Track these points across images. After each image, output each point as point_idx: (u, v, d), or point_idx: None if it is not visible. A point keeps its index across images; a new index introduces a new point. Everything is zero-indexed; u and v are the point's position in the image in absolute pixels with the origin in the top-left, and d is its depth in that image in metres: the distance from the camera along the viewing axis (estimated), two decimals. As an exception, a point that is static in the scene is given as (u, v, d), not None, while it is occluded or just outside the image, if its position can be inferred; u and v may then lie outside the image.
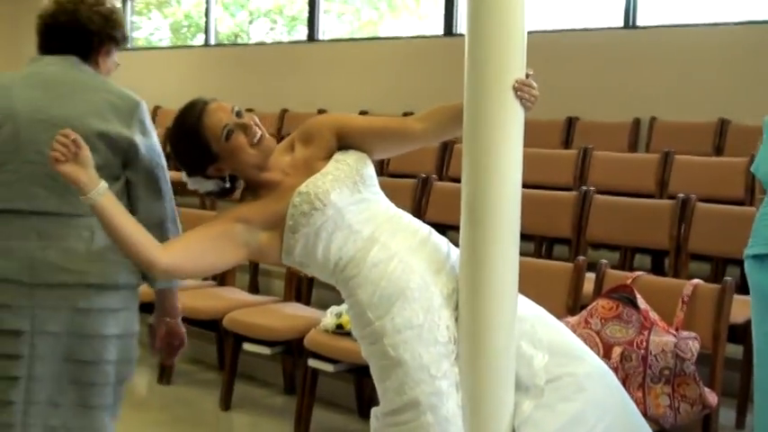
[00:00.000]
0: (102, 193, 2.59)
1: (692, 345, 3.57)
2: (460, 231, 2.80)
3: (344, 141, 2.95)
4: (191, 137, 2.79)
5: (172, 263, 2.70)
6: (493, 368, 2.74)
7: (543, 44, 7.77)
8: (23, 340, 2.91)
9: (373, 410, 2.90)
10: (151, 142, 3.16)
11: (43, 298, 2.92)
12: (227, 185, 2.91)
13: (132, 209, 3.01)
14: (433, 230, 2.95)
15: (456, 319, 2.79)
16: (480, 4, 2.70)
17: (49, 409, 3.00)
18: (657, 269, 5.47)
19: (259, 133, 2.80)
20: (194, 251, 2.77)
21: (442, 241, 2.93)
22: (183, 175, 2.91)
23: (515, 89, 2.67)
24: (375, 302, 2.75)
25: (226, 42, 12.12)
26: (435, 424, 2.67)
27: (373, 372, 2.88)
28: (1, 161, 2.96)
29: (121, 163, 3.08)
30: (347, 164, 2.89)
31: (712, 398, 3.67)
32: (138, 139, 3.08)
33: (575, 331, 3.65)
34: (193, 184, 2.91)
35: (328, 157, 2.91)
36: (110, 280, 2.95)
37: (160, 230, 3.06)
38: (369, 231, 2.78)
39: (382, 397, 2.83)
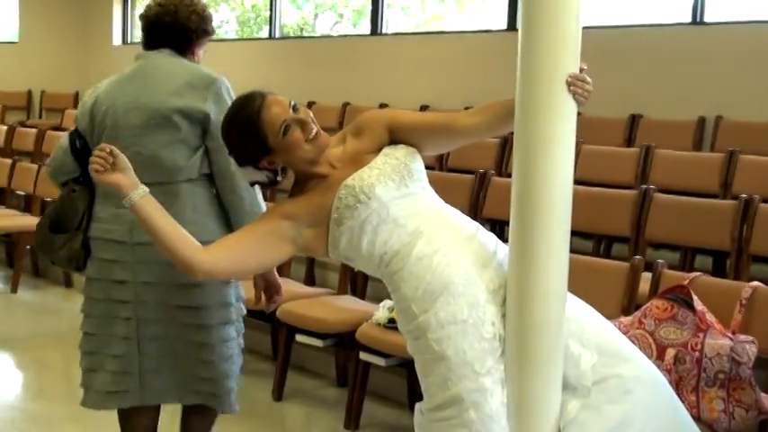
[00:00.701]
0: (142, 195, 2.76)
1: (749, 348, 3.50)
2: (510, 228, 2.77)
3: (395, 136, 2.97)
4: (248, 129, 2.84)
5: (213, 265, 2.78)
6: (540, 367, 2.72)
7: (609, 40, 7.72)
8: (128, 288, 3.61)
9: (417, 405, 2.90)
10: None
11: (141, 254, 3.54)
12: (277, 178, 2.95)
13: (212, 176, 3.64)
14: (480, 227, 2.94)
15: (503, 316, 2.77)
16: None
17: (158, 343, 3.69)
18: (718, 271, 5.38)
19: (315, 129, 2.83)
20: (238, 252, 2.83)
21: (489, 238, 2.92)
22: (232, 164, 3.02)
23: (568, 84, 2.64)
24: (419, 297, 2.74)
25: (291, 35, 12.17)
26: (478, 421, 2.66)
27: (418, 367, 2.87)
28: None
29: (200, 133, 3.59)
30: (395, 158, 2.90)
31: (770, 403, 3.63)
32: (212, 109, 3.57)
33: (627, 332, 3.64)
34: (242, 173, 3.03)
35: (378, 150, 2.92)
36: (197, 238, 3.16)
37: (233, 195, 3.64)
38: (414, 226, 2.78)
39: (426, 392, 2.82)
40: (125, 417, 3.97)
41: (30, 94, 13.92)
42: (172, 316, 3.67)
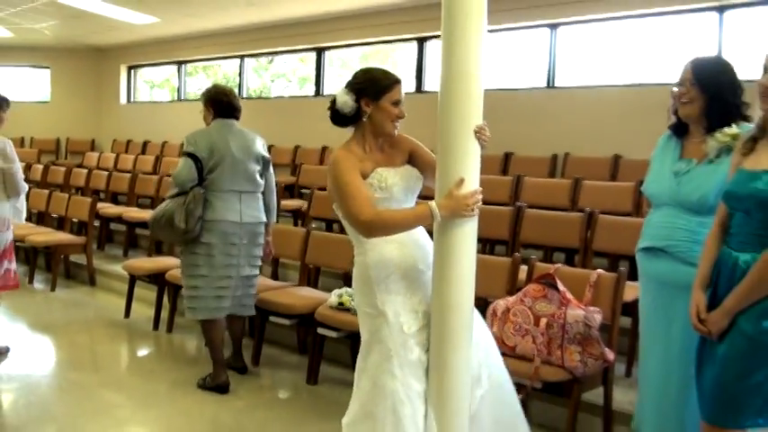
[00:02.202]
0: None
1: (597, 317, 3.65)
2: (434, 233, 2.88)
3: (412, 160, 3.16)
4: (385, 80, 3.07)
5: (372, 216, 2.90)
6: (454, 335, 2.83)
7: (491, 100, 7.88)
8: (239, 248, 4.87)
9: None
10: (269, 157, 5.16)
11: (244, 228, 4.89)
12: (359, 116, 3.09)
13: (268, 189, 5.11)
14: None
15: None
16: (448, 71, 2.79)
17: (246, 279, 4.99)
18: (570, 263, 5.54)
19: (398, 124, 3.08)
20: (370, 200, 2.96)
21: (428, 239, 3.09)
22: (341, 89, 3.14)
23: (475, 132, 2.76)
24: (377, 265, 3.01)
25: (254, 96, 12.15)
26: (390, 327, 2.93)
27: (355, 282, 3.13)
28: (231, 171, 4.83)
29: (262, 168, 5.04)
30: (415, 175, 3.11)
31: (610, 355, 3.75)
32: (266, 155, 5.09)
33: (513, 307, 3.76)
34: (342, 95, 3.09)
35: (403, 162, 3.12)
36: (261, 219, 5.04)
37: (272, 195, 5.18)
38: None
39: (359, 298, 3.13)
40: (212, 323, 4.91)
41: (58, 141, 13.70)
42: (254, 263, 5.02)
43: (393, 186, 3.03)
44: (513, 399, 3.13)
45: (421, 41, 9.42)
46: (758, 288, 2.56)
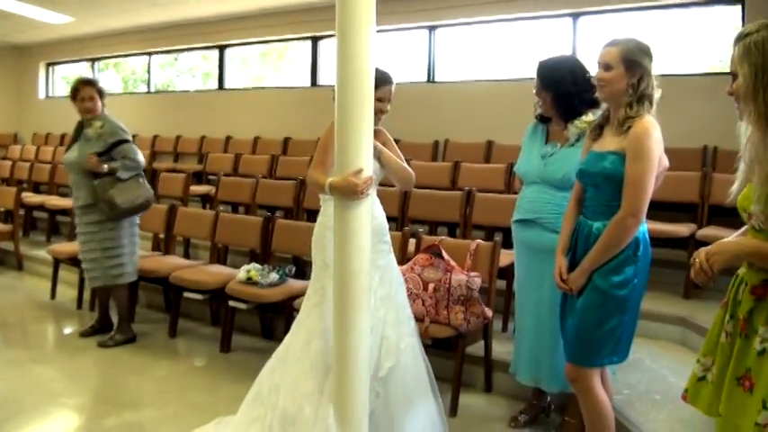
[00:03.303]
0: None
1: (477, 280, 3.75)
2: (334, 210, 2.92)
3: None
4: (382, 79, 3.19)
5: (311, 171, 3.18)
6: (353, 301, 2.89)
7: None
8: None
9: None
10: None
11: None
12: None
13: None
14: None
15: None
16: (343, 68, 2.82)
17: None
18: (452, 235, 5.67)
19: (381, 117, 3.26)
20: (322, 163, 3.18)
21: None
22: None
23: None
24: None
25: (161, 90, 11.86)
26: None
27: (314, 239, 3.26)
28: None
29: None
30: (378, 165, 3.22)
31: (489, 313, 3.90)
32: None
33: (405, 275, 3.82)
34: None
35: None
36: None
37: None
38: None
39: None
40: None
41: None
42: None
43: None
44: (422, 369, 3.24)
45: (315, 40, 9.39)
46: (608, 249, 2.75)
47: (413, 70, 8.69)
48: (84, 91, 4.99)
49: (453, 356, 3.87)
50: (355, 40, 2.76)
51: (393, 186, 6.01)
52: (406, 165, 3.39)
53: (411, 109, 8.14)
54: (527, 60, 7.62)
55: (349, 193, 2.82)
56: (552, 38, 7.65)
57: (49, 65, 13.49)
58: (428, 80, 8.42)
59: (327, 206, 3.17)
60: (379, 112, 3.15)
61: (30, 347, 5.28)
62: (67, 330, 5.81)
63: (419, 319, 3.72)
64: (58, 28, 11.03)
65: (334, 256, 2.90)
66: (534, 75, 3.41)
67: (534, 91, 3.41)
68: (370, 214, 2.94)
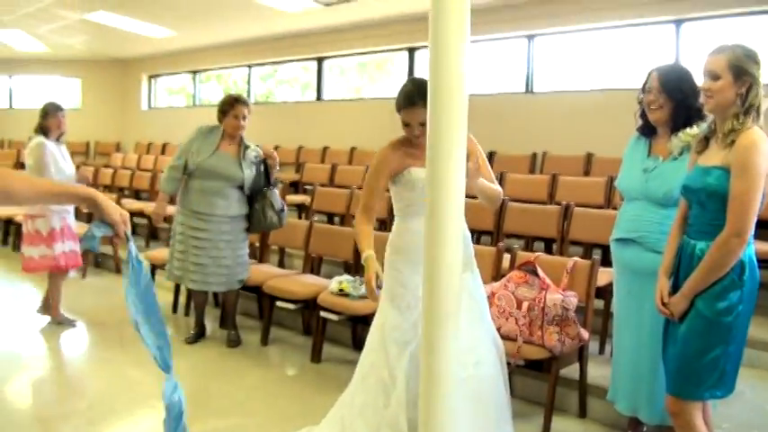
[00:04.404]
0: None
1: (573, 300, 3.62)
2: (425, 219, 2.82)
3: None
4: (422, 89, 2.92)
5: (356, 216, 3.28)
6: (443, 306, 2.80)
7: (477, 104, 7.85)
8: None
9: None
10: None
11: None
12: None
13: None
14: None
15: None
16: (435, 79, 2.74)
17: None
18: (549, 251, 5.51)
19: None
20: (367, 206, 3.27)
21: None
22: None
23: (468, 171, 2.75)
24: None
25: (261, 101, 12.11)
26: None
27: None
28: None
29: None
30: None
31: (585, 334, 3.73)
32: None
33: (497, 292, 3.72)
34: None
35: None
36: None
37: None
38: None
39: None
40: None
41: (88, 143, 13.63)
42: None
43: (417, 187, 3.05)
44: (497, 390, 3.08)
45: (411, 51, 9.38)
46: (711, 272, 2.57)
47: (511, 80, 8.56)
48: (242, 109, 5.17)
49: (546, 379, 3.73)
50: (448, 50, 2.68)
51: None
52: (496, 183, 3.26)
53: (508, 120, 8.03)
54: (629, 69, 7.38)
55: (366, 290, 3.03)
56: (655, 45, 7.36)
57: (151, 77, 14.06)
58: (526, 90, 8.26)
59: (403, 223, 3.15)
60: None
61: (125, 349, 5.42)
62: (162, 334, 5.95)
63: (512, 339, 3.61)
64: (160, 42, 11.44)
65: (424, 275, 2.81)
66: (649, 80, 3.16)
67: (646, 96, 3.19)
68: (460, 231, 2.83)
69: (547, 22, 7.95)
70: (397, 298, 3.10)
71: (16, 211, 9.45)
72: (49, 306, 5.90)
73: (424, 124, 2.98)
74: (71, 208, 5.81)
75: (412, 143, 3.14)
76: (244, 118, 5.19)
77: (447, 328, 2.74)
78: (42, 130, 5.71)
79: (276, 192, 5.30)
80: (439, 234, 2.75)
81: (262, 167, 5.24)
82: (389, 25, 9.17)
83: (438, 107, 2.73)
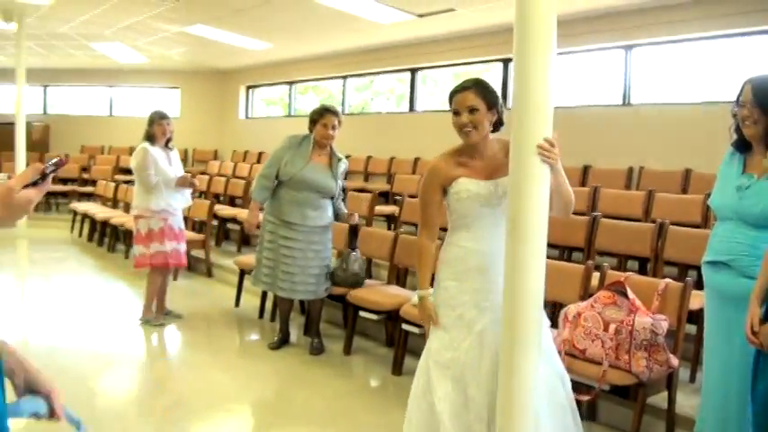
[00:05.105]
0: None
1: (663, 324, 3.42)
2: (506, 237, 2.73)
3: None
4: (478, 79, 3.00)
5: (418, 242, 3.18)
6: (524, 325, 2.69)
7: (571, 115, 7.66)
8: None
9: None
10: None
11: None
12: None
13: None
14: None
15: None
16: (519, 92, 2.66)
17: None
18: (643, 271, 5.27)
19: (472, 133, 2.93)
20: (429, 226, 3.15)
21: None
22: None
23: (538, 148, 2.60)
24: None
25: (355, 112, 12.19)
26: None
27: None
28: None
29: None
30: (502, 191, 2.96)
31: (675, 361, 3.52)
32: None
33: (584, 312, 3.57)
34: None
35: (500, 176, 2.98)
36: None
37: None
38: None
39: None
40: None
41: (186, 151, 13.95)
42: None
43: (467, 199, 2.92)
44: (563, 405, 2.90)
45: (506, 62, 9.24)
46: None
47: (607, 92, 8.30)
48: (331, 119, 5.22)
49: (633, 406, 3.55)
50: (534, 62, 2.60)
51: (581, 214, 5.84)
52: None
53: (604, 133, 7.80)
54: (731, 81, 7.01)
55: (422, 319, 3.05)
56: (761, 57, 6.98)
57: (248, 88, 14.39)
58: (623, 103, 7.98)
59: (450, 236, 3.05)
60: (459, 128, 2.97)
61: (211, 352, 5.53)
62: (248, 338, 6.05)
63: (597, 363, 3.45)
64: (258, 54, 11.69)
65: (504, 295, 2.71)
66: (743, 93, 2.91)
67: (739, 110, 2.96)
68: (544, 251, 2.71)
69: (645, 33, 7.67)
70: (441, 317, 3.01)
71: (112, 214, 9.86)
72: (157, 305, 6.14)
73: (473, 110, 2.92)
74: (175, 210, 6.00)
75: (464, 152, 3.02)
76: (333, 128, 5.22)
77: (528, 350, 2.65)
78: (148, 136, 5.92)
79: (354, 254, 5.35)
80: (521, 246, 2.67)
81: (347, 229, 5.42)
82: (483, 36, 9.08)
83: (523, 119, 2.65)
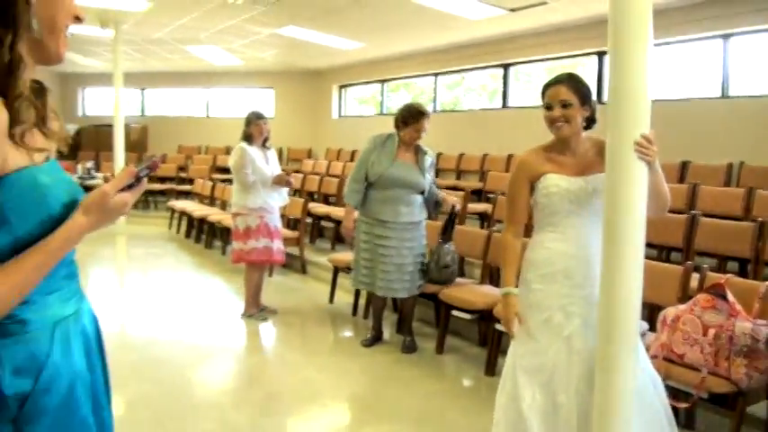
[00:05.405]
0: None
1: (764, 330, 3.29)
2: (603, 237, 2.70)
3: None
4: (572, 74, 3.02)
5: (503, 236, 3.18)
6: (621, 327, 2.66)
7: (668, 109, 7.44)
8: None
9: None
10: None
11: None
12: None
13: None
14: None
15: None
16: (615, 85, 2.62)
17: None
18: (743, 273, 5.09)
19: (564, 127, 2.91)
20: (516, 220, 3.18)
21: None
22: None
23: (635, 144, 2.56)
24: None
25: (446, 109, 12.19)
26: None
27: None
28: None
29: None
30: (593, 188, 2.93)
31: (778, 368, 3.40)
32: None
33: (683, 315, 3.48)
34: None
35: (595, 172, 2.94)
36: None
37: None
38: None
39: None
40: None
41: (280, 150, 14.04)
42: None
43: (555, 194, 2.90)
44: (656, 407, 2.84)
45: (600, 55, 9.05)
46: None
47: (704, 84, 8.03)
48: (425, 124, 5.27)
49: (731, 415, 3.43)
50: (630, 54, 2.56)
51: (679, 212, 5.68)
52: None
53: (702, 127, 7.55)
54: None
55: (504, 316, 2.98)
56: None
57: (341, 87, 14.58)
58: (722, 95, 7.70)
59: (537, 235, 3.02)
60: (550, 122, 2.94)
61: (304, 347, 5.66)
62: (342, 335, 6.16)
63: (696, 369, 3.36)
64: (350, 53, 11.83)
65: (600, 296, 2.69)
66: None
67: None
68: (642, 252, 2.67)
69: (744, 21, 7.36)
70: (527, 321, 2.97)
71: (209, 212, 10.19)
72: (252, 300, 6.33)
73: (566, 105, 2.88)
74: (272, 208, 6.16)
75: (554, 148, 2.99)
76: (425, 130, 5.26)
77: (626, 354, 2.63)
78: (246, 136, 6.10)
79: (447, 247, 5.30)
80: (617, 247, 2.64)
81: (446, 219, 5.38)
82: (576, 29, 8.92)
83: (619, 114, 2.61)
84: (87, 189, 1.47)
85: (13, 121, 1.28)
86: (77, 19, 1.43)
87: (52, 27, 1.39)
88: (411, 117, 5.25)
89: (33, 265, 1.30)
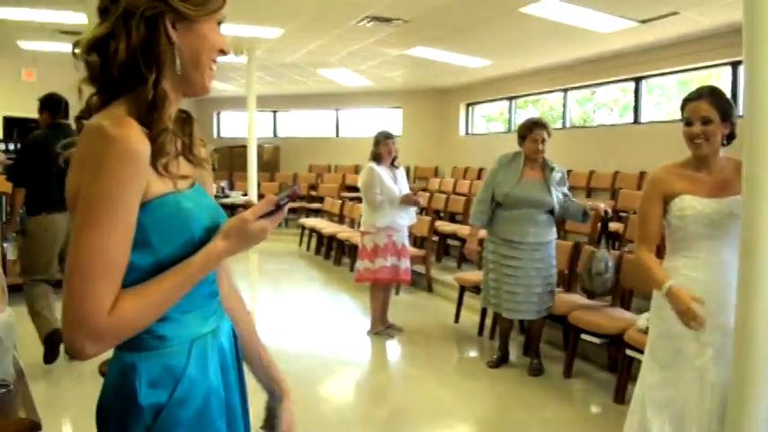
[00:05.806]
0: None
1: None
2: (739, 264, 2.53)
3: None
4: (714, 88, 2.88)
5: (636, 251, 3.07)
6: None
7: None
8: None
9: None
10: None
11: None
12: None
13: None
14: None
15: None
16: (752, 97, 2.46)
17: None
18: None
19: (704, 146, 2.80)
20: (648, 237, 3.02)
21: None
22: None
23: None
24: None
25: (576, 125, 11.90)
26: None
27: None
28: None
29: None
30: (732, 210, 2.79)
31: None
32: None
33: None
34: None
35: (734, 193, 2.77)
36: None
37: None
38: None
39: None
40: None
41: (408, 168, 14.15)
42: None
43: (690, 217, 2.75)
44: None
45: (735, 65, 8.57)
46: None
47: None
48: (540, 133, 5.20)
49: None
50: (765, 64, 2.39)
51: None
52: None
53: None
54: None
55: (679, 310, 2.69)
56: None
57: (468, 105, 14.52)
58: None
59: (670, 260, 2.87)
60: (689, 140, 2.81)
61: (430, 366, 5.63)
62: (467, 355, 6.10)
63: None
64: (477, 71, 11.79)
65: (735, 323, 2.52)
66: None
67: None
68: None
69: None
70: (658, 351, 2.81)
71: (338, 229, 10.38)
72: (378, 317, 6.38)
73: (706, 121, 2.73)
74: (400, 226, 6.20)
75: (690, 165, 2.82)
76: (543, 141, 5.16)
77: (761, 377, 2.45)
78: (375, 156, 6.20)
79: (600, 254, 5.01)
80: (755, 270, 2.47)
81: (599, 225, 5.23)
82: (710, 39, 8.49)
83: (756, 128, 2.44)
84: (222, 207, 1.53)
85: (157, 153, 1.34)
86: (222, 52, 1.47)
87: (197, 63, 1.43)
88: (525, 129, 5.23)
89: (172, 285, 1.35)
